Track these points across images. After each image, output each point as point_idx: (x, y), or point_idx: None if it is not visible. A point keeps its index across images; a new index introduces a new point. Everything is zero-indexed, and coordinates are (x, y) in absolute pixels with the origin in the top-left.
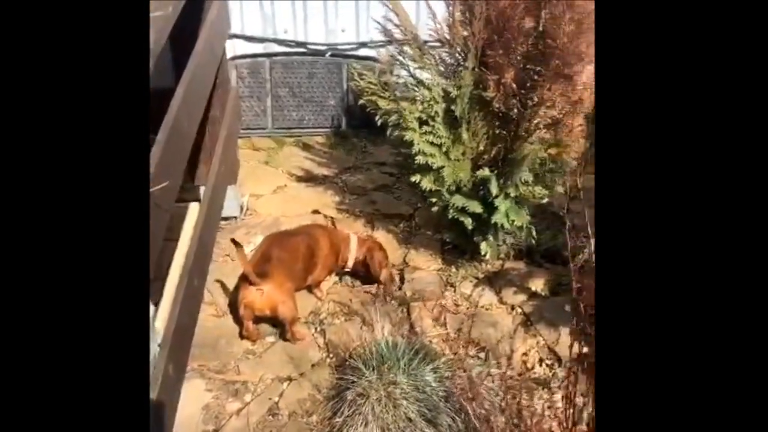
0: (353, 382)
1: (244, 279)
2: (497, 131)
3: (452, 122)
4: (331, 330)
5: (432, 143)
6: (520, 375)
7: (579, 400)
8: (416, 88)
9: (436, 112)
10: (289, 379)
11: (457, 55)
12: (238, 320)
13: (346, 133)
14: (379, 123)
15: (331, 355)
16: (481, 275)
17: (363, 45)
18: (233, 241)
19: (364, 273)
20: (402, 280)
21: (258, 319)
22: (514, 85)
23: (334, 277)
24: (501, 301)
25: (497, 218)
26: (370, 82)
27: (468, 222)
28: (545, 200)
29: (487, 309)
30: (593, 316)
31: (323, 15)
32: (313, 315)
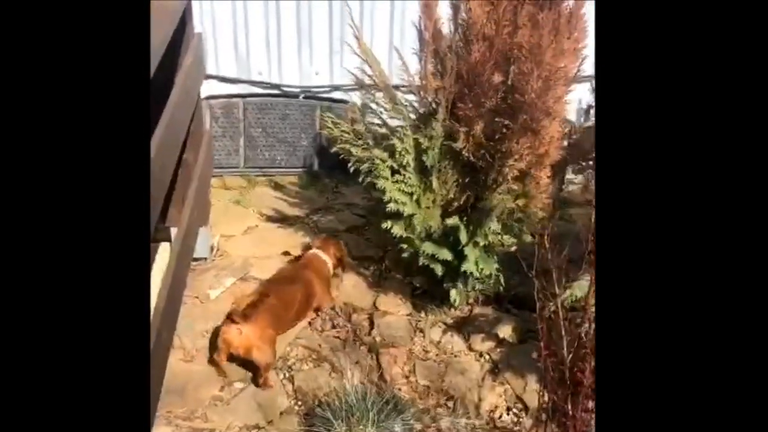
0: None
1: (229, 315)
2: (466, 180)
3: (423, 171)
4: (299, 376)
5: (403, 191)
6: (487, 425)
7: None
8: (389, 137)
9: (407, 162)
10: (257, 427)
11: (428, 106)
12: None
13: (318, 173)
14: (351, 170)
15: (299, 403)
16: (450, 321)
17: (336, 88)
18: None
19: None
20: (371, 324)
21: (232, 359)
22: (483, 137)
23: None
24: (470, 348)
25: (467, 266)
26: (343, 131)
27: (438, 269)
28: (513, 248)
29: (455, 356)
30: (560, 365)
31: (297, 58)
32: (281, 360)
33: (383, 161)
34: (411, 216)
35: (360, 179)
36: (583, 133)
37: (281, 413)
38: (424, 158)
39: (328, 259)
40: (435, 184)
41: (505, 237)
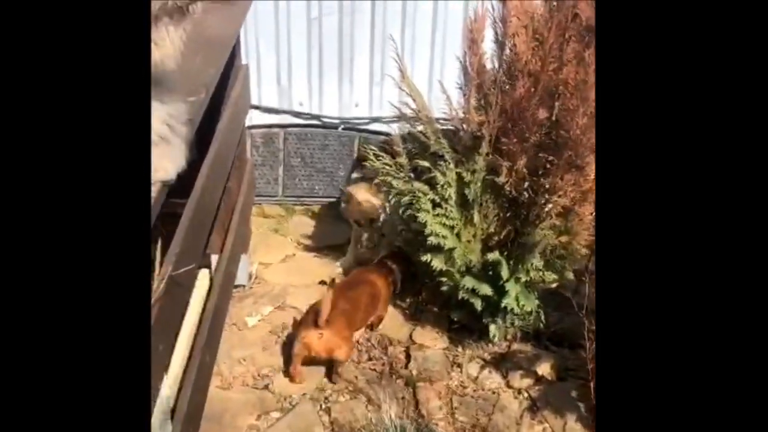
0: None
1: (306, 319)
2: (508, 215)
3: (464, 205)
4: (336, 408)
5: (444, 225)
6: None
7: None
8: (430, 170)
9: (449, 195)
10: None
11: (470, 140)
12: (289, 356)
13: None
14: (392, 201)
15: None
16: (487, 356)
17: (376, 120)
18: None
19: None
20: (408, 358)
21: (308, 361)
22: (527, 172)
23: None
24: (508, 385)
25: (507, 302)
26: (385, 163)
27: (478, 303)
28: (554, 285)
29: (493, 392)
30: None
31: (338, 89)
32: (318, 391)
33: (425, 194)
34: (451, 250)
35: (400, 211)
36: None
37: None
38: (466, 192)
39: (395, 267)
40: (476, 218)
41: (546, 273)
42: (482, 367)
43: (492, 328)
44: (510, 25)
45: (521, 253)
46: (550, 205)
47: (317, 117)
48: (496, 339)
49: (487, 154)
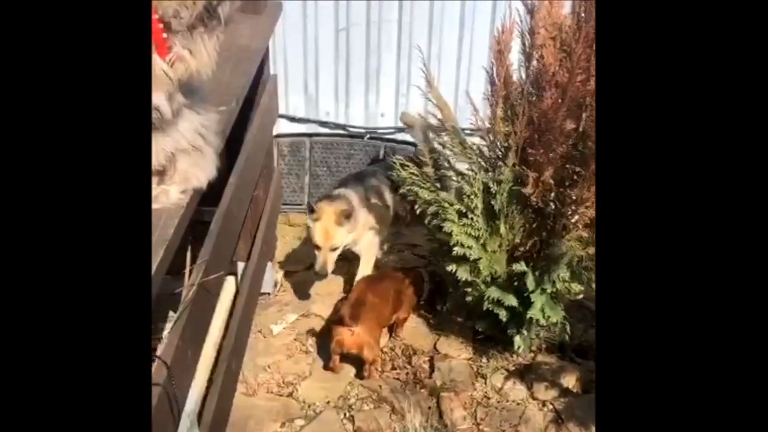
0: None
1: (338, 315)
2: (534, 225)
3: (491, 215)
4: (359, 416)
5: (470, 235)
6: None
7: None
8: (456, 181)
9: (476, 205)
10: None
11: (496, 150)
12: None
13: None
14: (418, 212)
15: None
16: (512, 367)
17: (401, 130)
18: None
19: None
20: (432, 367)
21: (343, 358)
22: (553, 183)
23: None
24: (532, 396)
25: (533, 313)
26: (411, 173)
27: (503, 314)
28: (580, 296)
29: (518, 404)
30: None
31: (364, 99)
32: (341, 400)
33: (451, 204)
34: (477, 260)
35: (426, 221)
36: None
37: None
38: (493, 202)
39: (426, 276)
40: (502, 228)
41: (572, 284)
42: (507, 378)
43: (517, 339)
44: (538, 36)
45: (547, 264)
46: (576, 216)
47: (343, 126)
48: (521, 350)
49: (514, 165)
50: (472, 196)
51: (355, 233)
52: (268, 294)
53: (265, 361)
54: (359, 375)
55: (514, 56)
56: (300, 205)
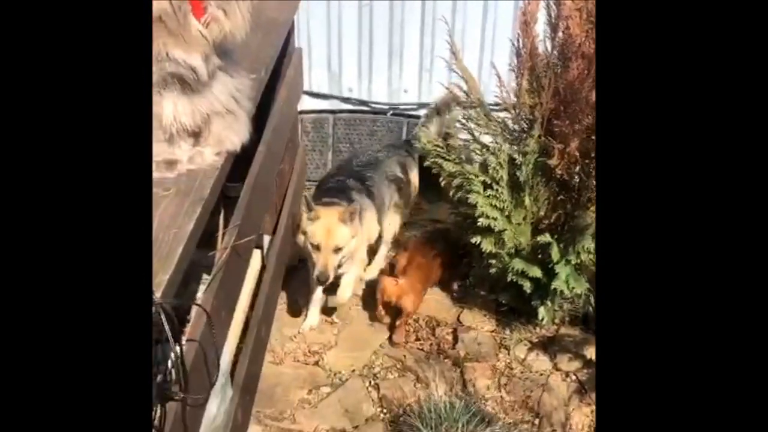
0: None
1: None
2: (558, 198)
3: (515, 187)
4: (384, 385)
5: (495, 206)
6: None
7: None
8: (481, 153)
9: (501, 177)
10: (344, 431)
11: (522, 121)
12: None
13: None
14: (442, 184)
15: (385, 410)
16: (535, 339)
17: (424, 105)
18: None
19: None
20: (455, 339)
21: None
22: (578, 155)
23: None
24: (556, 367)
25: (557, 284)
26: (436, 145)
27: (527, 286)
28: None
29: (541, 374)
30: None
31: (387, 75)
32: (367, 368)
33: (476, 176)
34: (501, 231)
35: (451, 194)
36: None
37: (367, 420)
38: (518, 174)
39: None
40: (527, 200)
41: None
42: (530, 350)
43: (541, 310)
44: (563, 7)
45: (572, 236)
46: None
47: (366, 103)
48: (544, 322)
49: (539, 137)
50: (498, 168)
51: (357, 240)
52: (294, 266)
53: (291, 332)
54: (391, 330)
55: (540, 27)
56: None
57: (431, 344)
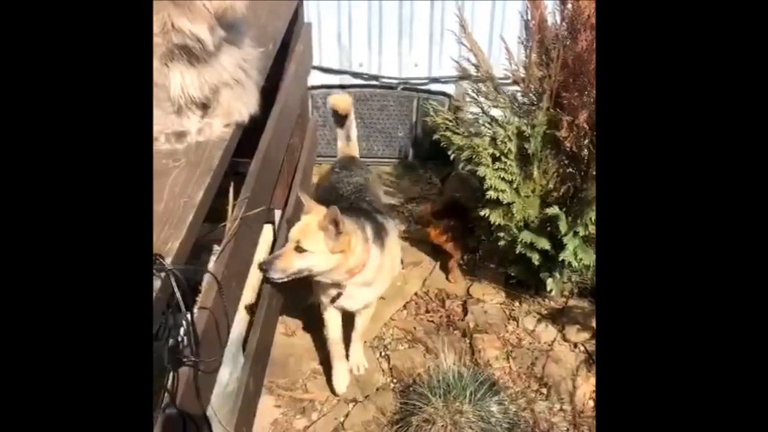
0: (420, 407)
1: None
2: (567, 170)
3: (524, 159)
4: (394, 356)
5: (503, 179)
6: (582, 413)
7: None
8: (489, 126)
9: (509, 150)
10: (355, 401)
11: (531, 94)
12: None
13: (413, 164)
14: (451, 157)
15: (395, 380)
16: (544, 311)
17: (434, 80)
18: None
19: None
20: (465, 311)
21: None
22: (587, 127)
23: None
24: (564, 338)
25: (565, 256)
26: (445, 118)
27: (535, 258)
28: None
29: (549, 345)
30: None
31: (397, 50)
32: (377, 339)
33: (484, 148)
34: (510, 204)
35: (460, 167)
36: None
37: (377, 389)
38: (526, 146)
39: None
40: (536, 173)
41: None
42: (538, 321)
43: (549, 282)
44: None
45: (580, 208)
46: None
47: (376, 77)
48: (553, 293)
49: (548, 109)
50: (506, 141)
51: (333, 259)
52: None
53: (302, 304)
54: (446, 270)
55: (549, 0)
56: (334, 156)
57: (441, 316)
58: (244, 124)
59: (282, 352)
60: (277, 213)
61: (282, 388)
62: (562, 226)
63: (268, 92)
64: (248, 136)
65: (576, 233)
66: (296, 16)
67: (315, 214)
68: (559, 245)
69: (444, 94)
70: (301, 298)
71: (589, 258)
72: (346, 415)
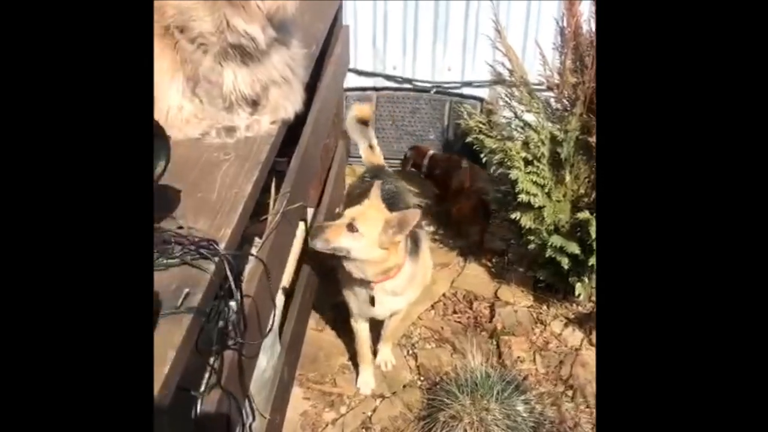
0: (447, 404)
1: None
2: None
3: (556, 164)
4: (422, 354)
5: (535, 183)
6: None
7: None
8: (522, 130)
9: (542, 154)
10: (382, 396)
11: (564, 100)
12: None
13: None
14: (483, 160)
15: (422, 378)
16: (571, 315)
17: (467, 84)
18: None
19: None
20: (492, 313)
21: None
22: None
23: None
24: (590, 343)
25: (594, 260)
26: (478, 122)
27: (565, 262)
28: None
29: (576, 349)
30: None
31: (431, 54)
32: (405, 338)
33: (517, 152)
34: (541, 208)
35: (491, 170)
36: None
37: (404, 386)
38: (559, 151)
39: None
40: (567, 178)
41: None
42: (566, 325)
43: (578, 286)
44: None
45: None
46: None
47: (410, 80)
48: (581, 298)
49: (581, 115)
50: (539, 145)
51: (376, 252)
52: None
53: (332, 300)
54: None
55: (584, 6)
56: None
57: (468, 317)
58: (290, 121)
59: (312, 347)
60: (310, 211)
61: (312, 381)
62: (593, 231)
63: (308, 92)
64: (286, 137)
65: None
66: (336, 19)
67: (376, 204)
68: (588, 250)
69: (476, 98)
70: (330, 295)
71: None
72: (374, 410)
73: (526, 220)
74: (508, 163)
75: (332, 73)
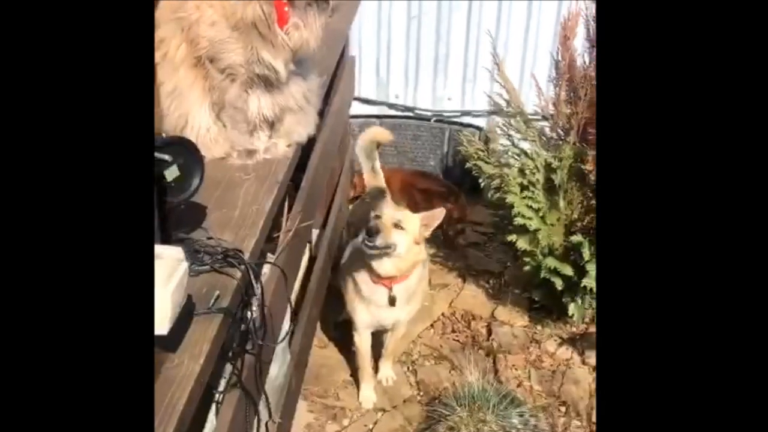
0: (445, 416)
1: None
2: (591, 201)
3: (551, 190)
4: (421, 371)
5: (531, 207)
6: None
7: None
8: (518, 157)
9: (537, 180)
10: (383, 410)
11: (558, 129)
12: None
13: None
14: (482, 185)
15: (421, 393)
16: (565, 335)
17: (466, 113)
18: None
19: None
20: (489, 332)
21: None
22: None
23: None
24: (584, 362)
25: (587, 282)
26: (477, 149)
27: (559, 283)
28: None
29: (569, 367)
30: None
31: (432, 83)
32: (405, 355)
33: (513, 178)
34: (536, 231)
35: (489, 195)
36: None
37: (404, 401)
38: (553, 177)
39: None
40: (561, 203)
41: None
42: (560, 345)
43: (572, 306)
44: None
45: None
46: None
47: (411, 109)
48: (574, 318)
49: (575, 143)
50: (534, 171)
51: (410, 247)
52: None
53: (334, 318)
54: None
55: (578, 42)
56: None
57: (466, 336)
58: (303, 143)
59: (316, 362)
60: (315, 232)
61: (315, 395)
62: (585, 254)
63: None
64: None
65: None
66: (344, 51)
67: (402, 208)
68: (581, 272)
69: (475, 126)
70: (333, 314)
71: None
72: (375, 423)
73: (522, 243)
74: (505, 189)
75: (339, 100)
